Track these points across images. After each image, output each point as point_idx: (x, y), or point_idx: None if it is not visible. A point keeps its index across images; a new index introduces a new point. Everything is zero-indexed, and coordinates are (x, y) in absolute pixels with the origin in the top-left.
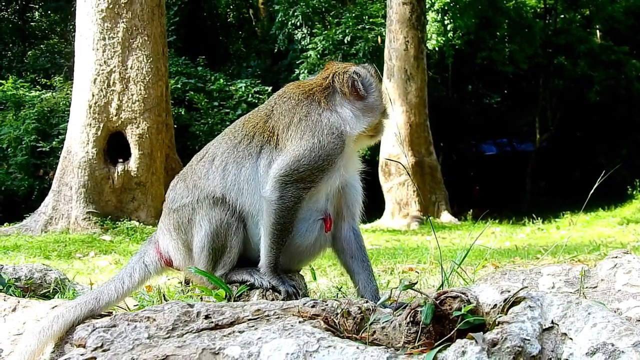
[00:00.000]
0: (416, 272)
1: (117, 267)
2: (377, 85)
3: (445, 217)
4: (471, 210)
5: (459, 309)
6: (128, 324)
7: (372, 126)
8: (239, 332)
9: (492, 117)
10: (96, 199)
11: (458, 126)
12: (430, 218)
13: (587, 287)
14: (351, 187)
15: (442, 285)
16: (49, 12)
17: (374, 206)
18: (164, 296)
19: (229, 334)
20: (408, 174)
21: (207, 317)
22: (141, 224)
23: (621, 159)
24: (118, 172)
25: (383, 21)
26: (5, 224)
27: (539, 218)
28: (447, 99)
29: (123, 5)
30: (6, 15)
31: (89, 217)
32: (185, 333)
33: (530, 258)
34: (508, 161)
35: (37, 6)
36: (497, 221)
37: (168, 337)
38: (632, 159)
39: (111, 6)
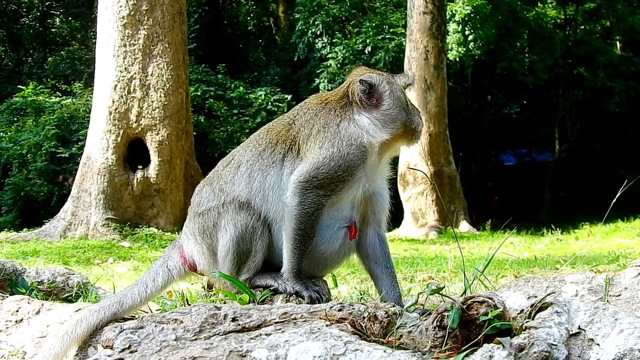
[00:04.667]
0: (436, 280)
1: (136, 274)
2: (392, 94)
3: (464, 226)
4: (490, 220)
5: (486, 314)
6: (155, 326)
7: (397, 136)
8: (266, 334)
9: (511, 127)
10: (115, 205)
11: (477, 136)
12: (449, 228)
13: (610, 295)
14: (378, 195)
15: (464, 292)
16: (70, 18)
17: (393, 215)
18: (186, 300)
19: (256, 336)
20: (431, 182)
21: (234, 319)
22: (160, 230)
23: None
24: (137, 179)
25: (403, 31)
26: (24, 230)
27: (557, 229)
28: (466, 109)
29: (144, 12)
30: (27, 22)
31: (108, 224)
32: (213, 335)
33: (549, 268)
34: (527, 171)
35: (58, 12)
36: (515, 231)
37: (195, 339)
38: None
39: (132, 13)
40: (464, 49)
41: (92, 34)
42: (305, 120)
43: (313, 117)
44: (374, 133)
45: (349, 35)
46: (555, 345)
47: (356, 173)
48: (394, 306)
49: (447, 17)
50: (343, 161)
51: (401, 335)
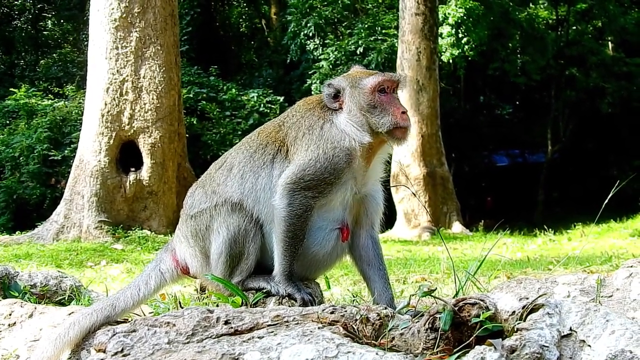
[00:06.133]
0: (429, 282)
1: (129, 276)
2: (351, 97)
3: (457, 227)
4: (483, 221)
5: (478, 316)
6: (148, 329)
7: (376, 137)
8: (259, 337)
9: (504, 128)
10: (108, 207)
11: (470, 137)
12: (442, 229)
13: (602, 296)
14: (371, 197)
15: (457, 294)
16: (62, 21)
17: (386, 216)
18: (179, 303)
19: (249, 339)
20: (414, 194)
21: (226, 322)
22: (153, 233)
23: (633, 171)
24: (130, 181)
25: (396, 32)
26: (17, 232)
27: (550, 229)
28: (459, 110)
29: (136, 14)
30: (19, 24)
31: (101, 226)
32: (205, 338)
33: (542, 269)
34: (520, 172)
35: (50, 15)
36: (508, 232)
37: (188, 343)
38: None
39: (124, 15)
40: (458, 50)
41: (84, 36)
42: (293, 122)
43: (299, 119)
44: (354, 135)
45: (341, 37)
46: (547, 346)
47: (342, 176)
48: (386, 308)
49: (440, 20)
50: (328, 163)
51: (393, 338)
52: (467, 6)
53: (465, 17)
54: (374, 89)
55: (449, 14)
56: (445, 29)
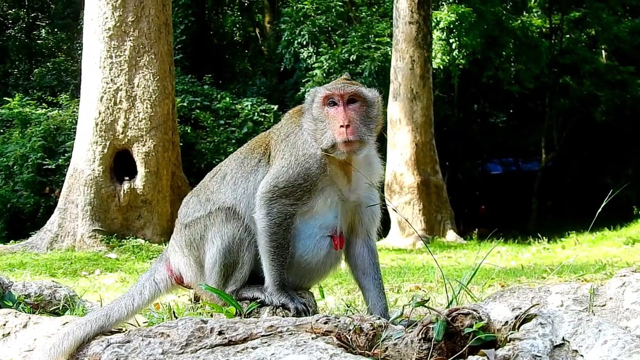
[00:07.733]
0: (423, 290)
1: (123, 285)
2: (308, 107)
3: (451, 236)
4: (477, 230)
5: (471, 326)
6: (142, 340)
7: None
8: (253, 348)
9: (498, 137)
10: (102, 216)
11: (464, 145)
12: (436, 237)
13: (595, 306)
14: (365, 205)
15: (450, 303)
16: (56, 30)
17: (380, 224)
18: (173, 313)
19: (243, 350)
20: (394, 209)
21: (220, 333)
22: (147, 242)
23: (627, 179)
24: (124, 190)
25: (389, 40)
26: (11, 242)
27: (544, 237)
28: (453, 118)
29: (130, 23)
30: (13, 33)
31: (95, 235)
32: (199, 349)
33: (536, 278)
34: (514, 180)
35: (43, 24)
36: (502, 240)
37: (182, 353)
38: (638, 179)
39: (118, 24)
40: (449, 57)
41: (78, 45)
42: (277, 129)
43: (282, 126)
44: (316, 144)
45: (334, 45)
46: (540, 356)
47: (318, 182)
48: (379, 318)
49: (432, 25)
50: (301, 169)
51: (387, 348)
52: (460, 11)
53: (457, 23)
54: (323, 103)
55: (441, 18)
56: (435, 34)
